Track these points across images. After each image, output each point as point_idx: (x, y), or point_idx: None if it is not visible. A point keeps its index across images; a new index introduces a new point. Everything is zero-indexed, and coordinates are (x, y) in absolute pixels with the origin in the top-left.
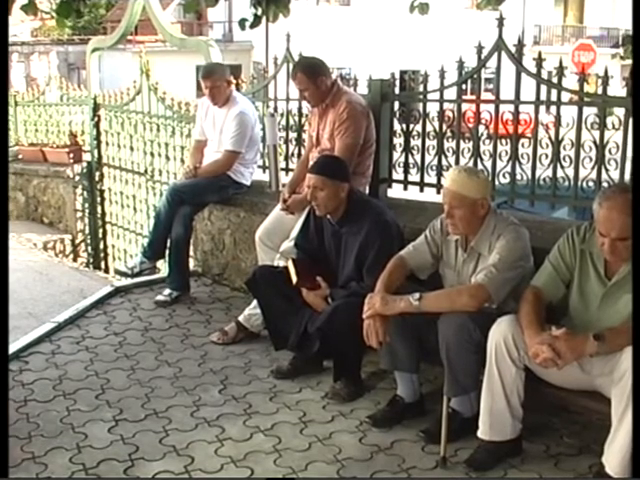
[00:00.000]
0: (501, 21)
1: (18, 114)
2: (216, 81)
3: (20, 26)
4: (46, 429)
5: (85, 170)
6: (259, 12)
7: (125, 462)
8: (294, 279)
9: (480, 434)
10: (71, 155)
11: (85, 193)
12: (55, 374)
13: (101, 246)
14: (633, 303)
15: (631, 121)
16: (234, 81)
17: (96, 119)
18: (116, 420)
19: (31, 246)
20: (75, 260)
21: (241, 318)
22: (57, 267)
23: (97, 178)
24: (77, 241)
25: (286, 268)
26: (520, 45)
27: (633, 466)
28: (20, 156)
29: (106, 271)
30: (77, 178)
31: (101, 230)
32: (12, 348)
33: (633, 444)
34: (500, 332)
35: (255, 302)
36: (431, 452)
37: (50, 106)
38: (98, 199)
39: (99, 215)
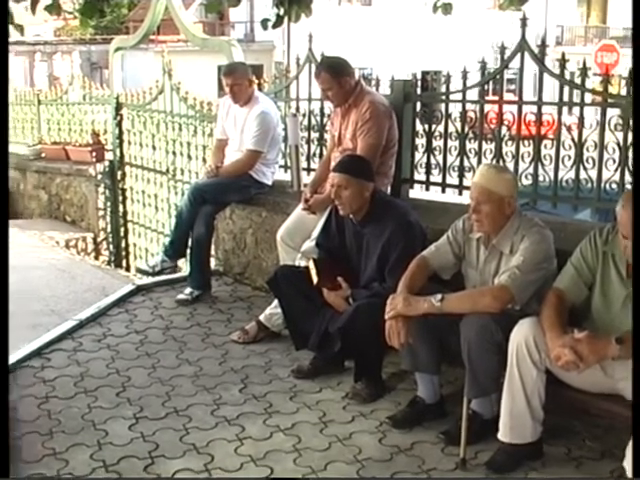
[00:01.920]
0: (524, 21)
1: (41, 113)
2: (237, 79)
3: (43, 26)
4: (67, 426)
5: (107, 169)
6: (281, 12)
7: (145, 459)
8: (315, 279)
9: (500, 436)
10: (93, 154)
11: (107, 192)
12: (76, 371)
13: (122, 244)
14: (633, 303)
15: (631, 121)
16: (256, 81)
17: (118, 118)
18: (137, 418)
19: (53, 244)
20: (97, 258)
21: (262, 317)
22: (79, 265)
23: (119, 177)
24: (99, 239)
25: (307, 268)
26: (543, 46)
27: (633, 466)
28: (43, 154)
29: (127, 269)
30: (99, 177)
31: (123, 229)
32: (34, 345)
33: (633, 444)
34: (522, 334)
35: (276, 301)
36: (451, 454)
37: (73, 105)
38: (120, 198)
39: (121, 214)
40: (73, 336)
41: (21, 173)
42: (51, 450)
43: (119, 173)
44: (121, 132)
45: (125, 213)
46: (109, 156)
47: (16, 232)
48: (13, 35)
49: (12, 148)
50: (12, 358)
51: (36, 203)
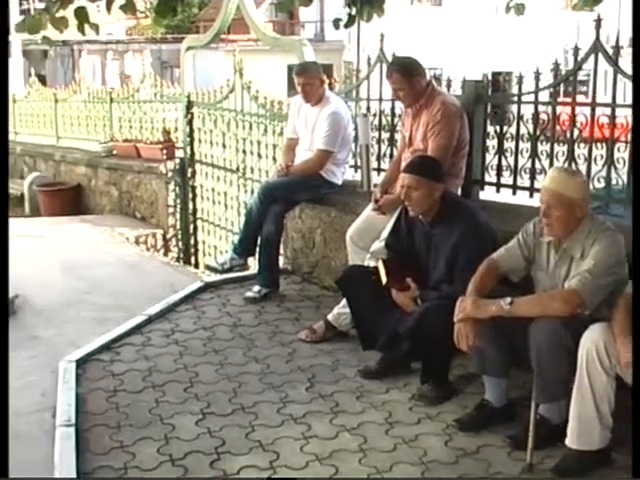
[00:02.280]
0: (599, 22)
1: (113, 111)
2: (309, 78)
3: (115, 25)
4: (135, 419)
5: (178, 166)
6: (353, 12)
7: (211, 455)
8: (384, 279)
9: (568, 442)
10: (164, 151)
11: (177, 189)
12: (145, 366)
13: (192, 242)
14: (633, 301)
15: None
16: (327, 80)
17: (189, 116)
18: (204, 413)
19: (123, 240)
20: (166, 255)
21: (330, 317)
22: (148, 261)
23: (189, 174)
24: (168, 236)
25: (376, 268)
26: (617, 47)
27: (633, 466)
28: (115, 152)
29: (196, 266)
30: (170, 174)
31: (192, 226)
32: (104, 339)
33: (633, 444)
34: (592, 339)
35: (344, 301)
36: (517, 458)
37: (144, 103)
38: (190, 195)
39: (190, 211)
40: (142, 331)
41: (93, 170)
42: (119, 443)
43: (189, 171)
44: (192, 130)
45: (195, 210)
46: (180, 154)
47: (87, 228)
48: (84, 34)
49: (84, 145)
50: (82, 351)
51: (107, 199)
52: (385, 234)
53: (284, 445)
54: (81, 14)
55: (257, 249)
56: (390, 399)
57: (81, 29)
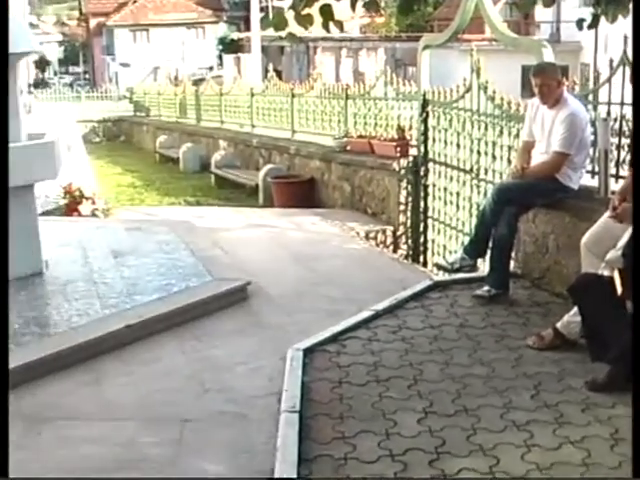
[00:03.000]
0: None
1: (348, 107)
2: (546, 79)
3: (349, 23)
4: (357, 412)
5: (411, 164)
6: (598, 12)
7: (431, 454)
8: (619, 290)
9: None
10: (398, 149)
11: (409, 187)
12: (370, 360)
13: (421, 240)
14: (634, 302)
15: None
16: (565, 82)
17: (424, 115)
18: (426, 412)
19: (353, 234)
20: (395, 251)
21: (559, 325)
22: (378, 257)
23: (422, 173)
24: (398, 233)
25: (611, 278)
26: None
27: (633, 466)
28: (348, 147)
29: (424, 264)
30: (402, 172)
31: (422, 224)
32: (332, 330)
33: (633, 444)
34: None
35: (575, 309)
36: None
37: (379, 100)
38: (422, 194)
39: (421, 209)
40: (369, 326)
41: (326, 164)
42: (340, 434)
43: (422, 169)
44: (426, 129)
45: (426, 209)
46: (413, 152)
47: (318, 220)
48: (321, 31)
49: (318, 139)
50: (310, 341)
51: (339, 194)
52: (622, 242)
53: (505, 451)
54: (326, 12)
55: (488, 251)
56: (617, 414)
57: (325, 26)
